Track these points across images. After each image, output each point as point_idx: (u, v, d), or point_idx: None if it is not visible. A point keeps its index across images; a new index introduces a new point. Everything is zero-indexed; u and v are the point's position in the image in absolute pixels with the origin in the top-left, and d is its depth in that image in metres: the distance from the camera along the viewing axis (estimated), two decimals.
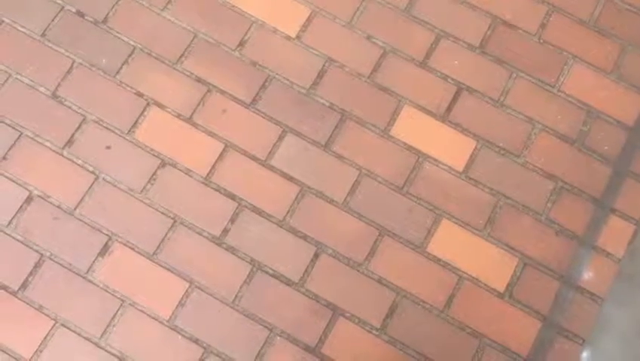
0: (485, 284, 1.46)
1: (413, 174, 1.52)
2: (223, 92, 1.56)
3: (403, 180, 1.52)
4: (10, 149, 1.49)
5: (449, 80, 1.59)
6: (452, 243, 1.48)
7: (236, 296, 1.43)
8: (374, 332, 1.42)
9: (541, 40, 1.63)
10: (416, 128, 1.56)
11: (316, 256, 1.46)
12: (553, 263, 1.47)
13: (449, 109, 1.57)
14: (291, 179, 1.51)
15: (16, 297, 1.41)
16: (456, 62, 1.61)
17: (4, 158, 1.49)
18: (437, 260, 1.47)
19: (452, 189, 1.51)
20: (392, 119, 1.56)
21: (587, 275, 1.46)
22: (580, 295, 1.45)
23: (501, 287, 1.46)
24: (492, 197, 1.51)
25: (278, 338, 1.41)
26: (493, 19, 1.64)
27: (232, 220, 1.47)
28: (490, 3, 1.65)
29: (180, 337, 1.40)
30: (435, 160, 1.53)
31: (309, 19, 1.62)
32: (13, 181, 1.47)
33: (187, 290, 1.43)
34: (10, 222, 1.45)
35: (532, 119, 1.57)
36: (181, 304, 1.42)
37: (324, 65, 1.59)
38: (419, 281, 1.45)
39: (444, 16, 1.64)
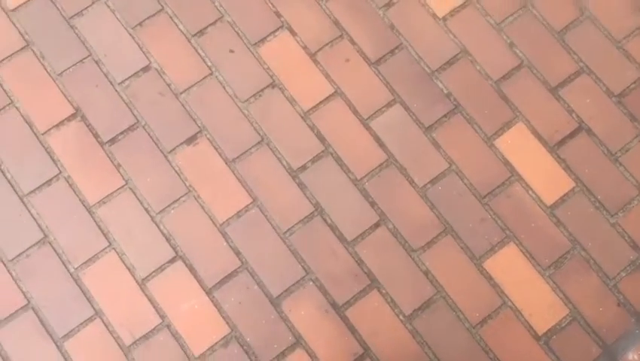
0: (526, 320, 1.42)
1: (500, 189, 1.49)
2: (353, 43, 1.58)
3: (487, 190, 1.49)
4: (147, 18, 1.58)
5: (573, 115, 1.54)
6: (511, 268, 1.45)
7: (289, 230, 1.46)
8: (401, 317, 1.42)
9: None
10: (520, 148, 1.52)
11: (377, 225, 1.47)
12: (603, 331, 1.41)
13: (561, 142, 1.53)
14: (382, 145, 1.52)
15: (103, 148, 1.50)
16: (588, 100, 1.55)
17: (140, 24, 1.58)
18: (488, 278, 1.44)
19: (532, 219, 1.47)
20: (501, 130, 1.53)
21: (632, 357, 1.38)
22: None
23: (540, 330, 1.41)
24: (568, 242, 1.46)
25: (311, 283, 1.43)
26: None
27: (313, 160, 1.50)
28: None
29: (225, 243, 1.45)
30: (527, 185, 1.50)
31: (462, 6, 1.61)
32: (139, 47, 1.56)
33: (247, 205, 1.47)
34: (122, 82, 1.54)
35: None
36: (238, 215, 1.47)
37: (457, 54, 1.58)
38: (463, 290, 1.43)
39: (595, 52, 1.58)
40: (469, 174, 1.50)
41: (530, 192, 1.50)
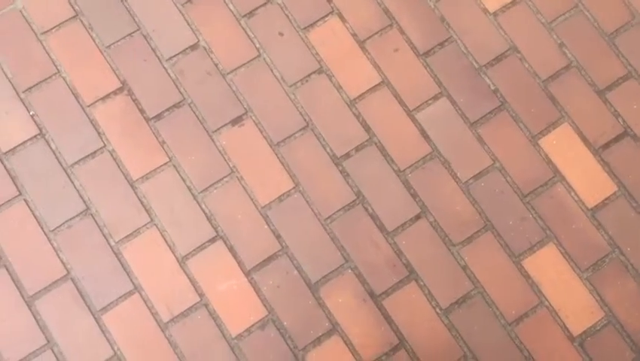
0: (562, 321, 1.42)
1: (542, 188, 1.49)
2: (402, 33, 1.57)
3: (529, 189, 1.49)
4: None
5: (619, 119, 1.54)
6: (549, 268, 1.45)
7: (330, 217, 1.46)
8: (438, 310, 1.43)
9: None
10: (565, 149, 1.52)
11: (417, 217, 1.47)
12: (638, 335, 1.42)
13: (606, 146, 1.52)
14: (427, 138, 1.51)
15: (148, 124, 1.50)
16: (635, 105, 1.55)
17: (190, 1, 1.57)
18: (527, 276, 1.45)
19: (573, 220, 1.47)
20: (546, 130, 1.53)
21: None
22: None
23: (575, 331, 1.42)
24: (608, 246, 1.46)
25: (350, 271, 1.44)
26: None
27: (357, 149, 1.50)
28: None
29: (266, 226, 1.45)
30: (569, 186, 1.50)
31: (513, 2, 1.60)
32: (189, 24, 1.55)
33: (290, 190, 1.47)
34: (170, 58, 1.53)
35: None
36: (280, 198, 1.47)
37: (506, 51, 1.57)
38: (500, 287, 1.44)
39: None
40: (512, 171, 1.50)
41: (572, 193, 1.50)
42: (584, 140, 1.53)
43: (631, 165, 1.51)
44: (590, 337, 1.42)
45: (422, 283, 1.44)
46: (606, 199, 1.49)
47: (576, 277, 1.45)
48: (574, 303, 1.44)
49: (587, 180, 1.50)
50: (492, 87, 1.55)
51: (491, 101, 1.54)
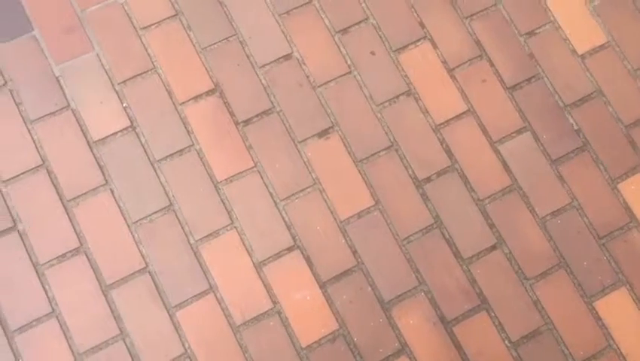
0: None
1: (618, 232, 1.51)
2: (492, 65, 1.60)
3: (606, 231, 1.50)
4: (296, 8, 1.60)
5: None
6: (620, 312, 1.46)
7: (407, 238, 1.48)
8: (507, 342, 1.43)
9: None
10: None
11: (493, 247, 1.48)
12: None
13: None
14: (507, 170, 1.53)
15: (237, 127, 1.52)
16: None
17: (287, 13, 1.60)
18: (597, 318, 1.45)
19: None
20: (626, 175, 1.55)
21: None
22: None
23: None
24: None
25: (423, 294, 1.45)
26: None
27: (439, 174, 1.52)
28: None
29: (343, 240, 1.47)
30: None
31: (601, 47, 1.62)
32: (284, 35, 1.58)
33: (370, 207, 1.49)
34: (263, 66, 1.56)
35: None
36: (359, 215, 1.48)
37: (591, 93, 1.59)
38: (571, 326, 1.44)
39: None
40: (589, 212, 1.52)
41: None
42: None
43: None
44: None
45: (492, 313, 1.45)
46: None
47: None
48: None
49: None
50: (576, 127, 1.57)
51: (573, 141, 1.56)
